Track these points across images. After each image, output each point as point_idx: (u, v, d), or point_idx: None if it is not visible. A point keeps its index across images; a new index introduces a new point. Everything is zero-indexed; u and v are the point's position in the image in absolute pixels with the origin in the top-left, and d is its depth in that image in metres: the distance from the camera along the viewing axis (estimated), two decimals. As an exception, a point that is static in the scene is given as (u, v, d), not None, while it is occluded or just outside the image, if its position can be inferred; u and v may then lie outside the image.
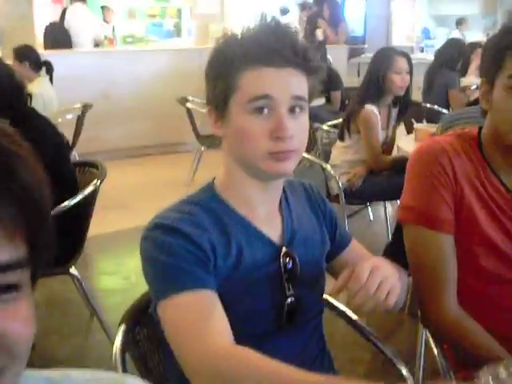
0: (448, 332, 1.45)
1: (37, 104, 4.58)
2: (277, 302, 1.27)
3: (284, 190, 1.36)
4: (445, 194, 1.44)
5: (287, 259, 1.29)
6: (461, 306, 1.45)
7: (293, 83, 1.18)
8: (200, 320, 1.11)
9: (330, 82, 5.95)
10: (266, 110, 1.16)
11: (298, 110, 1.19)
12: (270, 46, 1.16)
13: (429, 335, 1.61)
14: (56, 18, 8.05)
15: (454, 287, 1.46)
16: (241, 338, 1.14)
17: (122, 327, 1.37)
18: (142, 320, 1.43)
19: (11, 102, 2.57)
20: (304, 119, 1.22)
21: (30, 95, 2.77)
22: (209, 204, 1.25)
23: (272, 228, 1.30)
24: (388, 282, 1.13)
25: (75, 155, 5.29)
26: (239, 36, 1.20)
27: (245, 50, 1.17)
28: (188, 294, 1.12)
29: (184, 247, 1.15)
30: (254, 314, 1.25)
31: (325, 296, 1.49)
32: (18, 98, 2.63)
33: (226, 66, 1.19)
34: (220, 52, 1.21)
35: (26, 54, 4.86)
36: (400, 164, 3.02)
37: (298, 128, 1.19)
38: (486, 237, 1.45)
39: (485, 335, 1.40)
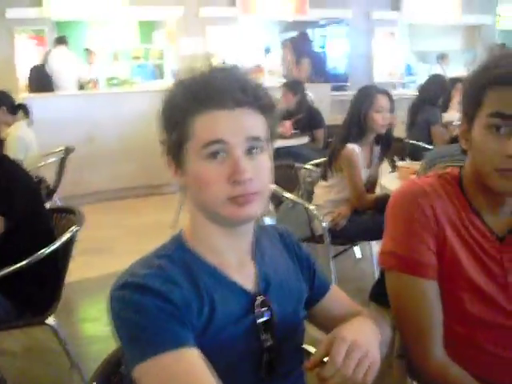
0: (434, 379, 1.40)
1: (17, 147, 4.57)
2: (254, 354, 1.22)
3: (257, 235, 1.32)
4: (426, 238, 1.40)
5: (263, 308, 1.23)
6: (446, 352, 1.41)
7: (247, 124, 1.14)
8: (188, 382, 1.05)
9: (311, 121, 5.97)
10: (221, 154, 1.13)
11: (255, 150, 1.15)
12: (218, 89, 1.13)
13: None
14: (39, 61, 8.06)
15: (440, 334, 1.41)
16: None
17: None
18: (114, 377, 1.37)
19: None
20: (263, 159, 1.17)
21: (2, 141, 2.72)
22: (178, 256, 1.20)
23: (245, 276, 1.25)
24: (367, 359, 1.10)
25: (57, 199, 5.25)
26: (187, 82, 1.17)
27: (194, 96, 1.14)
28: (169, 354, 1.06)
29: (156, 305, 1.08)
30: (231, 368, 1.18)
31: (305, 347, 1.44)
32: None
33: (177, 114, 1.15)
34: (169, 100, 1.18)
35: (1, 99, 4.83)
36: (384, 202, 2.98)
37: (256, 169, 1.14)
38: (471, 280, 1.41)
39: (471, 382, 1.36)
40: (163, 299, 1.09)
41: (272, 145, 1.23)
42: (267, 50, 10.00)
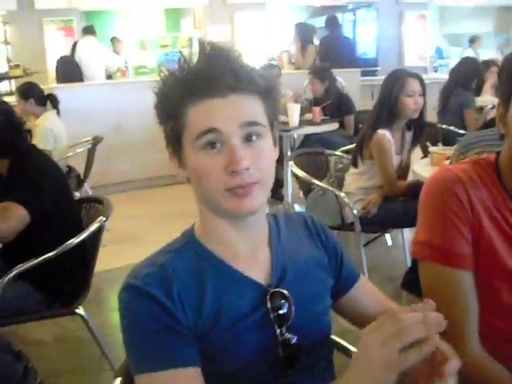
0: (470, 375, 1.34)
1: (46, 138, 4.59)
2: (269, 349, 1.16)
3: (277, 223, 1.29)
4: (461, 227, 1.34)
5: (280, 300, 1.18)
6: (481, 346, 1.35)
7: (242, 110, 1.09)
8: None
9: (341, 107, 5.89)
10: (217, 145, 1.09)
11: (254, 137, 1.10)
12: (209, 77, 1.08)
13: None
14: (68, 51, 8.11)
15: (476, 327, 1.35)
16: None
17: (118, 381, 1.30)
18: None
19: (11, 140, 2.52)
20: (262, 145, 1.12)
21: (30, 131, 2.72)
22: (186, 251, 1.18)
23: (258, 267, 1.20)
24: None
25: (87, 188, 5.28)
26: (178, 73, 1.13)
27: (185, 86, 1.10)
28: (163, 374, 1.06)
29: (153, 317, 1.07)
30: (246, 366, 1.14)
31: (334, 338, 1.39)
32: (18, 135, 2.57)
33: (171, 106, 1.12)
34: (161, 93, 1.14)
35: (29, 91, 4.88)
36: (416, 189, 2.92)
37: (255, 157, 1.09)
38: (508, 270, 1.35)
39: (510, 378, 1.30)
40: (160, 307, 1.08)
41: (276, 130, 1.19)
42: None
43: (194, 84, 1.08)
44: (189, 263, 1.15)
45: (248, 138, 1.10)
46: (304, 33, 8.43)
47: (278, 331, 1.16)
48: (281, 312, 1.17)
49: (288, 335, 1.17)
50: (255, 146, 1.10)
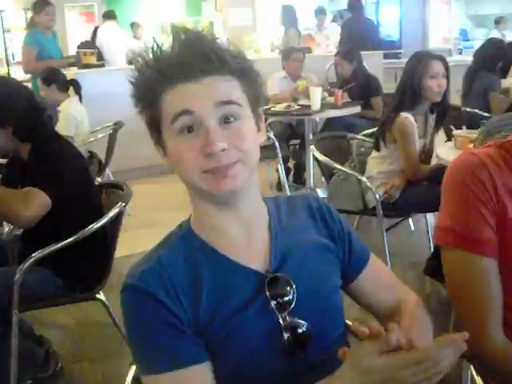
0: (493, 365, 1.31)
1: (68, 124, 4.60)
2: (274, 338, 1.14)
3: (278, 207, 1.28)
4: (485, 213, 1.30)
5: (286, 287, 1.16)
6: (505, 335, 1.31)
7: (215, 90, 1.09)
8: None
9: (368, 89, 5.82)
10: (195, 128, 1.08)
11: (232, 118, 1.10)
12: (181, 63, 1.08)
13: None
14: (88, 36, 8.14)
15: (499, 315, 1.31)
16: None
17: (133, 368, 1.31)
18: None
19: (34, 124, 2.51)
20: (241, 126, 1.11)
21: (51, 116, 2.71)
22: (181, 244, 1.18)
23: (256, 254, 1.19)
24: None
25: (109, 174, 5.29)
26: (151, 62, 1.13)
27: (159, 73, 1.10)
28: (170, 374, 1.06)
29: (153, 315, 1.08)
30: (252, 356, 1.13)
31: (350, 323, 1.37)
32: (40, 120, 2.56)
33: (146, 94, 1.13)
34: (137, 83, 1.15)
35: (51, 77, 4.89)
36: (439, 173, 2.86)
37: (233, 138, 1.08)
38: None
39: None
40: (158, 304, 1.08)
41: (259, 112, 1.19)
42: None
43: (167, 71, 1.09)
44: (185, 256, 1.15)
45: (225, 120, 1.09)
46: (286, 15, 8.30)
47: (280, 318, 1.14)
48: (286, 298, 1.15)
49: (295, 320, 1.15)
50: (233, 128, 1.09)
